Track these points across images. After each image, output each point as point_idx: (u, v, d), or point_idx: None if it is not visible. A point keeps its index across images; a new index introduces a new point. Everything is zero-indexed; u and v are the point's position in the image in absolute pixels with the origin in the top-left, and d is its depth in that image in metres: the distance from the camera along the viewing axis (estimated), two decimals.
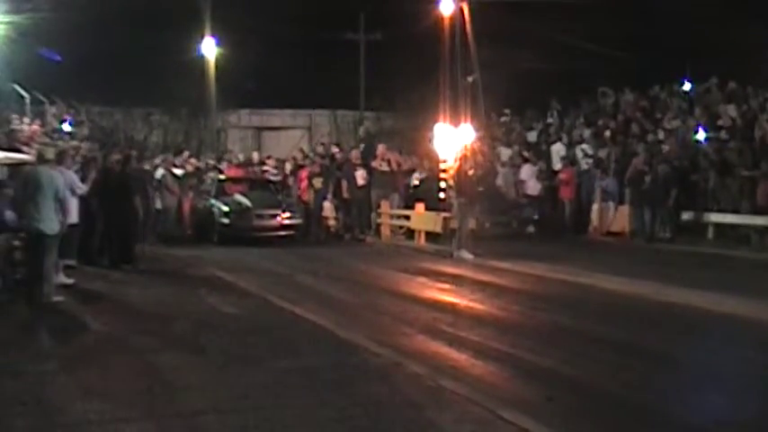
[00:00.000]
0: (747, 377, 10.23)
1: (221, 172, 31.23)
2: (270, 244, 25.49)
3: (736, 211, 25.60)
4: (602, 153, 30.77)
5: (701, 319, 14.01)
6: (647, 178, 26.82)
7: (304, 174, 31.01)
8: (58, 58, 35.81)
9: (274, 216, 27.08)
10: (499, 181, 31.35)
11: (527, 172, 30.38)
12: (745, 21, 27.84)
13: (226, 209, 26.87)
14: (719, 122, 29.32)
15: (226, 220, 26.65)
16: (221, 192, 28.06)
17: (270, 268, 20.60)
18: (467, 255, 22.48)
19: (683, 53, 33.10)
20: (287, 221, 27.18)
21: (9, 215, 14.81)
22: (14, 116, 23.99)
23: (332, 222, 29.84)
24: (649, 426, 8.30)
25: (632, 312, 14.85)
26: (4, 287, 14.76)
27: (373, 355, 11.06)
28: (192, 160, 32.35)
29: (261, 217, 26.83)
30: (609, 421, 8.40)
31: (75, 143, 26.71)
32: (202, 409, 8.75)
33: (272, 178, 31.83)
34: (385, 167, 30.71)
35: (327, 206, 29.85)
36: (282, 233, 26.76)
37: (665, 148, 28.81)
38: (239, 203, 27.03)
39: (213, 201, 27.44)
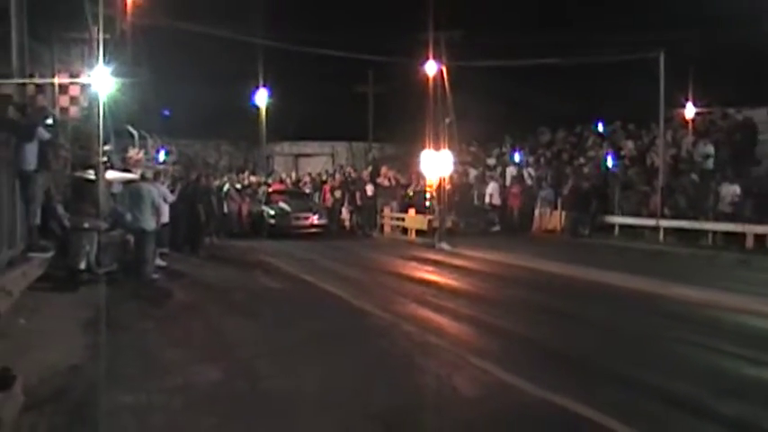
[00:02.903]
0: (647, 334, 10.27)
1: (269, 186, 31.36)
2: (303, 238, 25.48)
3: (635, 215, 25.70)
4: (541, 173, 30.86)
5: (613, 293, 14.01)
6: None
7: (327, 188, 31.21)
8: (168, 113, 36.55)
9: (307, 218, 27.14)
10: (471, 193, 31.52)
11: (492, 187, 30.29)
12: (639, 81, 28.05)
13: (272, 212, 26.99)
14: (623, 153, 29.42)
15: (272, 221, 26.78)
16: (269, 200, 28.17)
17: (303, 255, 20.56)
18: (446, 246, 22.48)
19: (598, 103, 33.15)
20: (316, 222, 27.22)
21: (128, 217, 14.92)
22: (129, 147, 24.28)
23: (347, 223, 29.87)
24: (578, 369, 8.31)
25: (565, 288, 14.91)
26: (120, 268, 14.83)
27: (378, 318, 11.13)
28: (252, 178, 32.67)
29: (297, 218, 26.89)
30: (548, 365, 8.43)
31: (166, 166, 26.84)
32: (255, 356, 8.82)
33: (307, 191, 32.01)
34: (387, 183, 30.87)
35: (344, 211, 29.93)
36: (313, 230, 26.77)
37: (586, 170, 28.90)
38: (282, 208, 27.12)
39: (263, 207, 27.56)
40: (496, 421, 6.54)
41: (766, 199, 21.66)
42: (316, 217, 27.47)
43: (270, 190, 30.03)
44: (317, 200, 30.89)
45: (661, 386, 7.46)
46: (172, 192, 18.24)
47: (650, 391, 7.32)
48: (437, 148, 27.64)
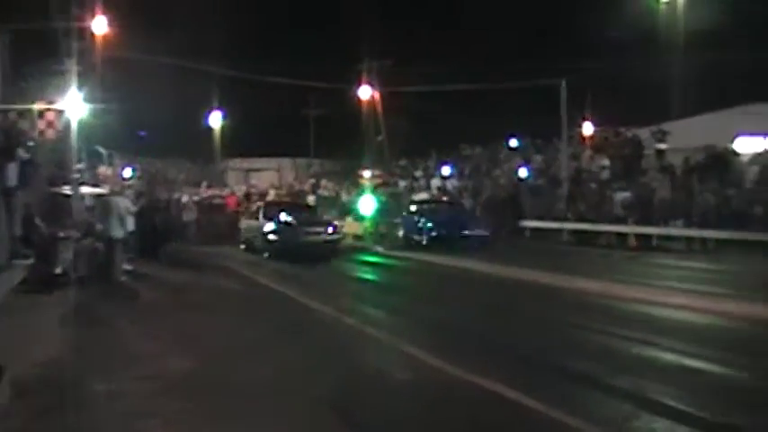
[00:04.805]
0: (553, 321, 10.43)
1: (223, 198, 31.19)
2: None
3: (543, 219, 26.17)
4: (462, 184, 31.28)
5: (524, 287, 14.24)
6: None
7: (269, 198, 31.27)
8: (143, 134, 36.43)
9: (319, 232, 23.61)
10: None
11: (422, 197, 30.48)
12: (546, 103, 28.85)
13: (274, 227, 25.81)
14: (533, 165, 30.01)
15: (274, 237, 25.33)
16: (266, 214, 26.10)
17: (251, 259, 20.48)
18: (380, 249, 22.57)
19: (510, 121, 33.79)
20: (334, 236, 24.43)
21: (99, 226, 14.82)
22: (99, 165, 24.06)
23: None
24: (496, 353, 8.44)
25: (482, 282, 15.17)
26: (91, 272, 14.71)
27: (322, 314, 11.20)
28: (209, 191, 32.63)
29: (308, 233, 21.04)
30: (470, 350, 8.52)
31: (131, 182, 26.65)
32: (217, 347, 8.89)
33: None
34: (326, 194, 30.95)
35: None
36: (328, 245, 21.49)
37: (502, 181, 29.40)
38: (286, 221, 25.71)
39: (261, 220, 26.03)
40: (426, 400, 6.65)
41: (650, 204, 22.45)
42: (330, 229, 21.31)
43: (265, 202, 25.59)
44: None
45: (567, 365, 7.68)
46: (135, 204, 18.09)
47: (558, 370, 7.51)
48: (370, 163, 27.94)
